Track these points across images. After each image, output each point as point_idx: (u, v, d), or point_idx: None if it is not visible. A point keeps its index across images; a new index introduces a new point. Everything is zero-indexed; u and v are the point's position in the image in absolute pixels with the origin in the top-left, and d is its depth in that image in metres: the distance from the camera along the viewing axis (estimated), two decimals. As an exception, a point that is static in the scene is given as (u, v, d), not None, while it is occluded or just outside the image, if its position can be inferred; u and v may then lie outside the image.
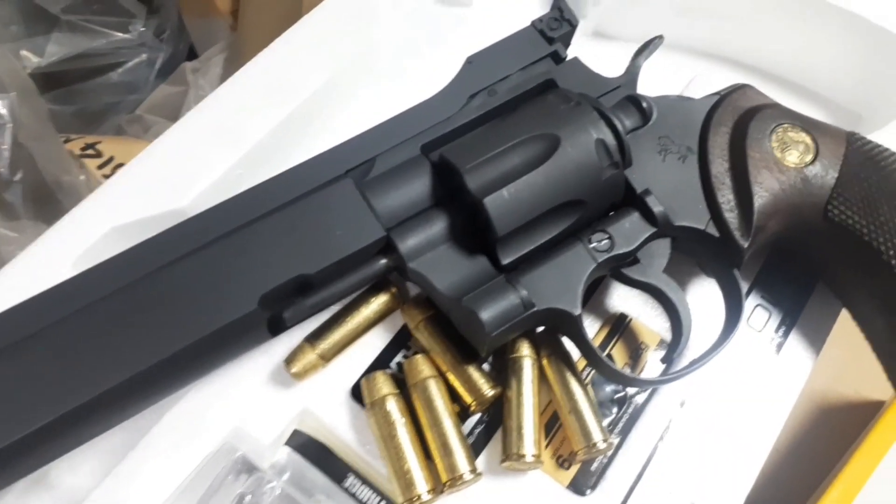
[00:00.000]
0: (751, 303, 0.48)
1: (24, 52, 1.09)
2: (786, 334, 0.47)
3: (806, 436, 0.69)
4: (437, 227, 0.41)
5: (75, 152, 1.09)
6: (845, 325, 0.49)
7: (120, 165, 1.10)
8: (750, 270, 0.49)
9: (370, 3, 0.56)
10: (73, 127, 1.17)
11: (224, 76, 1.20)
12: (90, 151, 1.11)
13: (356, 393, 0.43)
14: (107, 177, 1.09)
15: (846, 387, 0.69)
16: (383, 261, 0.41)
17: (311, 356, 0.42)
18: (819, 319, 0.48)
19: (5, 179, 0.89)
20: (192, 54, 1.25)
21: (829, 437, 0.67)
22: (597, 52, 0.62)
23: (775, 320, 0.48)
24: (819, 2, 0.59)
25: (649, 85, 0.52)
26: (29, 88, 0.97)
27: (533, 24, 0.47)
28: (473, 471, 0.40)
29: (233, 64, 1.19)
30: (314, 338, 0.43)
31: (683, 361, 0.43)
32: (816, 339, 0.47)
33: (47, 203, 0.97)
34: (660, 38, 0.49)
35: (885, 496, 0.56)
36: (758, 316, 0.48)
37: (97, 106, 1.21)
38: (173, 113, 1.18)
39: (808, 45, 0.62)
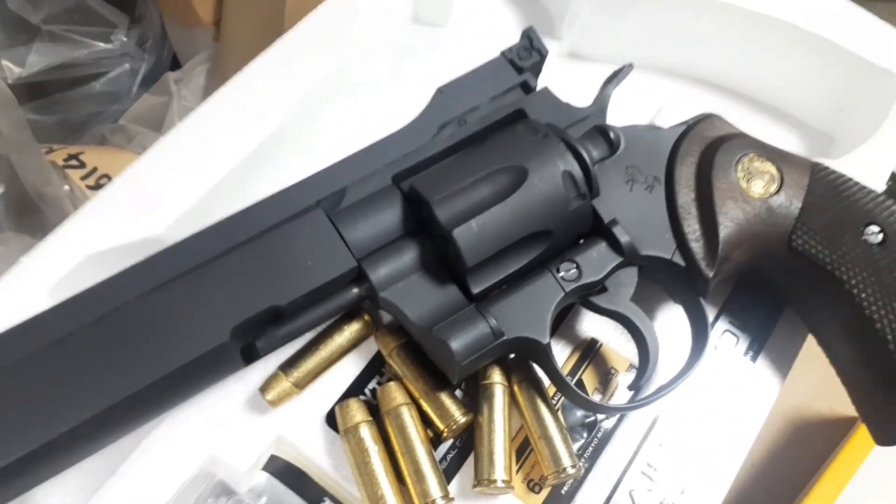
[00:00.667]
0: (720, 327, 0.50)
1: (4, 63, 1.10)
2: (754, 358, 0.49)
3: (783, 451, 0.71)
4: (408, 256, 0.43)
5: (58, 163, 1.10)
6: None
7: (104, 176, 1.11)
8: (719, 296, 0.51)
9: (346, 23, 0.58)
10: (56, 137, 1.18)
11: (207, 86, 1.21)
12: (73, 162, 1.12)
13: (331, 419, 0.44)
14: (90, 187, 1.09)
15: (821, 403, 0.71)
16: (355, 290, 0.43)
17: (285, 384, 0.43)
18: (786, 344, 0.49)
19: (-14, 191, 0.90)
20: (175, 64, 1.26)
21: (805, 452, 0.69)
22: (572, 72, 0.65)
23: (743, 345, 0.49)
24: (791, 27, 0.61)
25: (623, 106, 0.54)
26: (8, 99, 0.98)
27: (503, 53, 0.48)
28: (446, 496, 0.41)
29: (215, 74, 1.20)
30: (288, 366, 0.44)
31: (652, 387, 0.45)
32: (784, 363, 0.49)
33: (30, 215, 0.98)
34: (629, 66, 0.50)
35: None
36: (726, 340, 0.49)
37: (79, 116, 1.22)
38: (156, 123, 1.19)
39: (781, 68, 0.64)
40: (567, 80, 0.59)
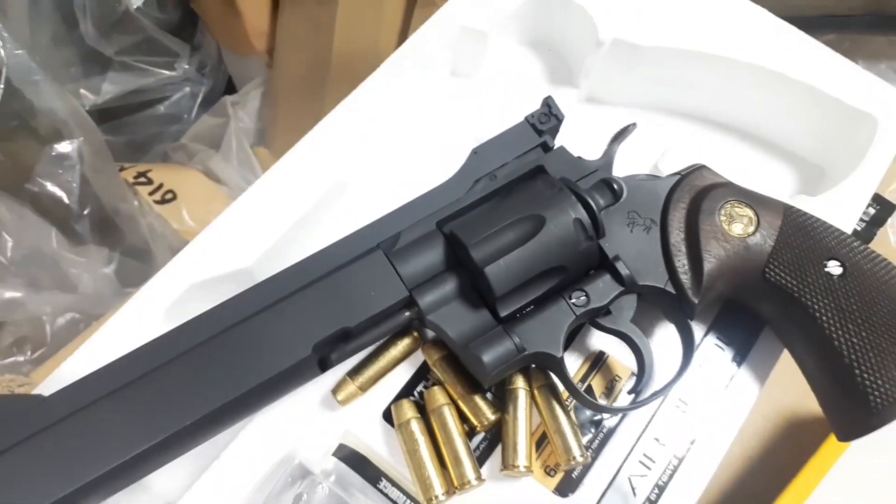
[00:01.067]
0: (709, 341, 0.60)
1: (82, 91, 1.23)
2: (737, 368, 0.59)
3: (778, 444, 0.80)
4: (449, 287, 0.54)
5: (129, 180, 1.22)
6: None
7: (169, 191, 1.23)
8: (708, 316, 0.61)
9: (397, 83, 0.69)
10: (124, 156, 1.31)
11: (261, 108, 1.33)
12: (142, 179, 1.25)
13: (387, 416, 0.56)
14: (157, 202, 1.22)
15: (813, 402, 0.81)
16: (407, 313, 0.54)
17: (352, 387, 0.55)
18: (764, 357, 0.59)
19: (75, 213, 1.02)
20: (230, 88, 1.39)
21: (796, 445, 0.78)
22: (589, 115, 0.75)
23: (728, 356, 0.60)
24: (784, 77, 0.70)
25: (635, 144, 0.64)
26: (89, 126, 1.09)
27: (526, 119, 0.59)
28: (479, 477, 0.52)
29: (268, 97, 1.32)
30: (354, 373, 0.56)
31: (648, 392, 0.55)
32: (762, 372, 0.59)
33: (108, 229, 1.10)
34: (633, 125, 0.61)
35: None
36: (714, 353, 0.60)
37: (145, 136, 1.35)
38: (215, 142, 1.31)
39: (778, 111, 0.73)
40: (585, 122, 0.70)
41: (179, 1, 1.27)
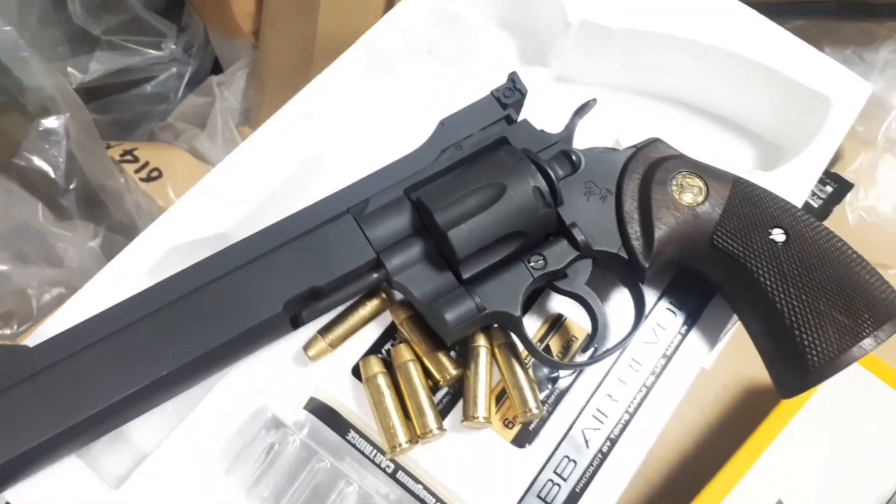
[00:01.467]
0: (661, 306, 0.64)
1: (70, 70, 1.25)
2: (687, 332, 0.63)
3: (735, 412, 0.85)
4: (416, 250, 0.58)
5: (115, 158, 1.26)
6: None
7: (155, 169, 1.27)
8: (662, 281, 0.65)
9: (376, 62, 0.72)
10: (111, 134, 1.34)
11: (246, 88, 1.36)
12: (128, 157, 1.28)
13: (356, 371, 0.59)
14: (143, 180, 1.26)
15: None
16: (375, 275, 0.58)
17: (322, 344, 0.59)
18: (714, 321, 0.64)
19: (61, 188, 1.06)
20: (217, 68, 1.42)
21: (753, 413, 0.83)
22: (559, 93, 0.79)
23: (679, 320, 0.64)
24: (745, 59, 0.74)
25: (601, 119, 0.68)
26: (76, 103, 1.12)
27: (492, 93, 0.63)
28: (440, 427, 0.56)
29: (254, 78, 1.35)
30: (325, 331, 0.59)
31: (601, 351, 0.59)
32: (711, 336, 0.63)
33: (94, 205, 1.13)
34: (593, 101, 0.64)
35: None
36: (666, 316, 0.64)
37: (132, 115, 1.38)
38: (201, 121, 1.34)
39: (740, 91, 0.77)
40: (555, 100, 0.74)
41: (167, -19, 1.29)
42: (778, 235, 0.59)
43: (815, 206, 0.83)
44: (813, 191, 0.84)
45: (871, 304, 0.56)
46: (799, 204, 0.68)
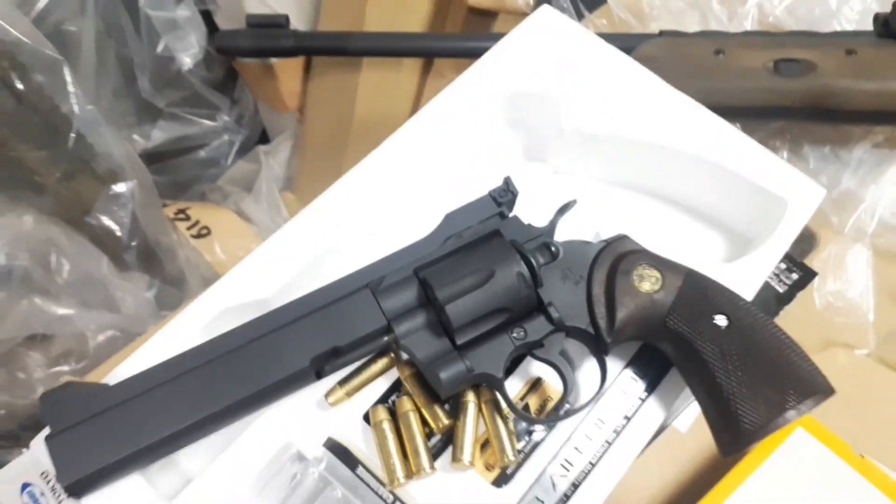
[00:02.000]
0: (626, 374, 0.77)
1: (135, 137, 1.44)
2: (646, 397, 0.76)
3: (711, 470, 0.96)
4: (420, 319, 0.71)
5: (170, 216, 1.43)
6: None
7: (204, 227, 1.43)
8: (627, 354, 0.78)
9: (395, 166, 0.87)
10: (167, 193, 1.50)
11: (290, 158, 1.53)
12: (181, 216, 1.45)
13: (367, 417, 0.73)
14: (193, 237, 1.43)
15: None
16: (385, 338, 0.72)
17: (340, 393, 0.73)
18: (670, 390, 0.76)
19: (125, 244, 1.22)
20: (264, 138, 1.59)
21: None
22: (555, 184, 0.94)
23: (640, 387, 0.76)
24: (715, 164, 0.87)
25: (588, 209, 0.82)
26: (141, 168, 1.28)
27: (489, 193, 0.77)
28: (432, 467, 0.69)
29: (297, 148, 1.52)
30: (344, 382, 0.73)
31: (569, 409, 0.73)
32: (667, 401, 0.75)
33: (151, 258, 1.29)
34: (573, 201, 0.79)
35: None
36: (630, 383, 0.77)
37: (185, 177, 1.55)
38: (248, 185, 1.51)
39: (712, 190, 0.89)
40: (552, 190, 0.88)
41: (224, 62, 1.48)
42: (721, 321, 0.72)
43: (781, 290, 0.95)
44: (780, 277, 0.96)
45: (797, 382, 0.69)
46: (753, 292, 0.81)
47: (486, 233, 0.75)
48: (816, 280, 1.01)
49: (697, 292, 0.73)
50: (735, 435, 0.69)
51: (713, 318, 0.72)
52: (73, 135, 1.16)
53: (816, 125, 1.15)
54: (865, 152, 1.14)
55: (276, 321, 0.71)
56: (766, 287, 0.96)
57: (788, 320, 0.98)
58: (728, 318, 0.72)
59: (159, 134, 1.46)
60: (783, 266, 0.97)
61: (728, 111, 0.96)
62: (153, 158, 1.48)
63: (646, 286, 0.73)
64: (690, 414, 0.91)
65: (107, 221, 1.21)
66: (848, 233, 1.06)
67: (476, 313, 0.70)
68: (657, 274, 0.74)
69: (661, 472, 0.95)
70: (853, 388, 0.97)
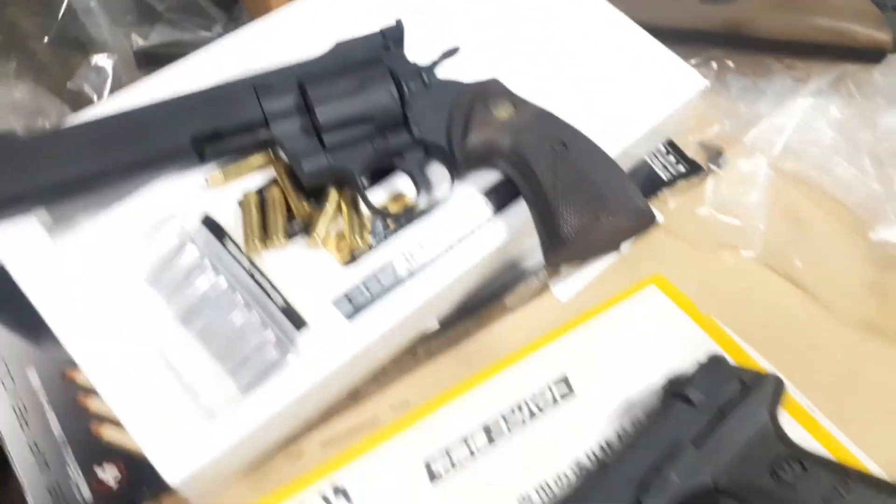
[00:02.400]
0: (480, 199, 0.86)
1: (133, 36, 1.59)
2: (491, 216, 0.85)
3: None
4: (295, 122, 0.82)
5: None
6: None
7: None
8: (486, 185, 0.88)
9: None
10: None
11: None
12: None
13: (241, 204, 0.85)
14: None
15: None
16: (262, 131, 0.83)
17: (219, 175, 0.84)
18: (514, 210, 0.86)
19: (100, 110, 1.37)
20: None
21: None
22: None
23: (490, 210, 0.86)
24: (611, 49, 0.98)
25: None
26: (130, 61, 1.45)
27: (380, 30, 0.88)
28: (286, 237, 0.81)
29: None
30: (223, 166, 0.85)
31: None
32: (510, 228, 0.85)
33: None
34: (457, 48, 0.89)
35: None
36: (482, 206, 0.86)
37: (178, 81, 1.70)
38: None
39: (604, 74, 1.01)
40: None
41: (226, -21, 1.62)
42: (558, 145, 0.82)
43: (664, 178, 1.04)
44: (667, 167, 1.05)
45: (616, 200, 0.78)
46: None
47: (368, 57, 0.87)
48: (712, 182, 1.10)
49: (545, 123, 0.83)
50: (555, 240, 0.78)
51: (553, 146, 0.82)
52: (64, 4, 1.32)
53: (739, 55, 1.24)
54: (784, 86, 1.23)
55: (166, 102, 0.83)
56: (651, 171, 1.04)
57: (681, 219, 1.07)
58: (565, 145, 0.81)
59: (156, 35, 1.60)
60: (672, 159, 1.06)
61: (654, 31, 1.04)
62: (149, 59, 1.62)
63: (500, 114, 0.84)
64: (572, 285, 1.00)
65: (86, 88, 1.36)
66: (752, 146, 1.14)
67: (344, 117, 0.81)
68: (512, 108, 0.84)
69: (534, 335, 1.03)
70: (737, 288, 1.05)
